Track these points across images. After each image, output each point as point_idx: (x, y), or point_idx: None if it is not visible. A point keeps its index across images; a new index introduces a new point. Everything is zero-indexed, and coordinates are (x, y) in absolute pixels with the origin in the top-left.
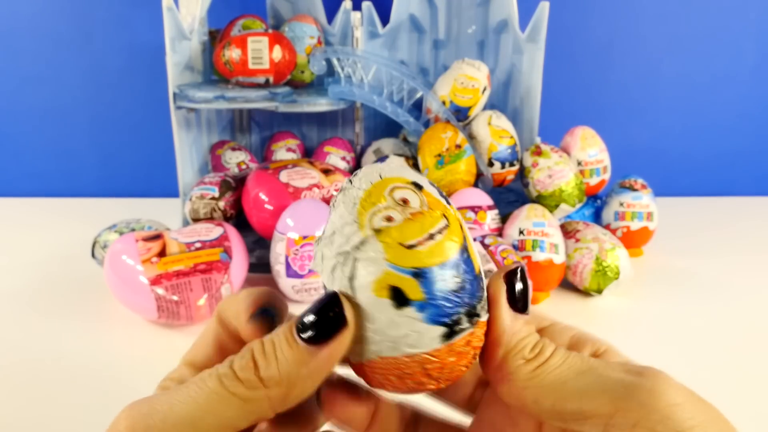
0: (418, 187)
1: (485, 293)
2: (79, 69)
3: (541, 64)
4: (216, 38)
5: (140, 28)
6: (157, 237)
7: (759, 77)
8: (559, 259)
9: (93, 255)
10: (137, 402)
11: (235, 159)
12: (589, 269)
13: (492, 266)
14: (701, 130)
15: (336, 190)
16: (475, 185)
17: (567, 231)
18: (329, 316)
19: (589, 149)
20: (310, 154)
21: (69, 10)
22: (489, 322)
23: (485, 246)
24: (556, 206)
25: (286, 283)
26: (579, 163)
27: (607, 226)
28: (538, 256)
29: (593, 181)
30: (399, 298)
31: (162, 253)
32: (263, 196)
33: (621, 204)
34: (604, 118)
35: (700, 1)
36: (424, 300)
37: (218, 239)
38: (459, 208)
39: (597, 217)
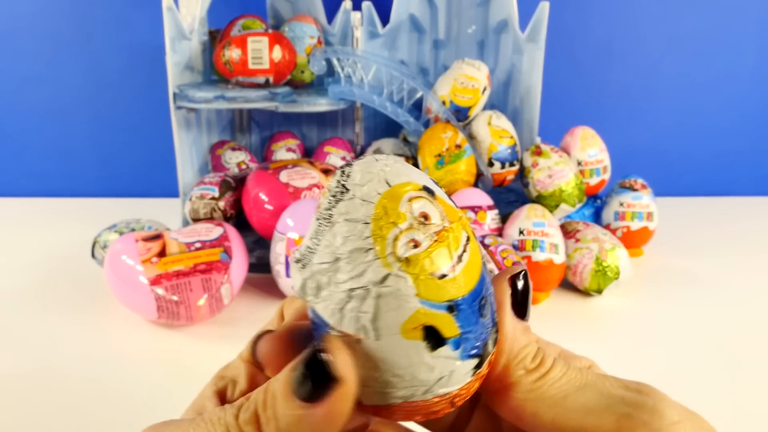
0: (430, 193)
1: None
2: (79, 69)
3: (541, 64)
4: (216, 38)
5: (140, 28)
6: (157, 237)
7: (759, 77)
8: (559, 259)
9: (93, 255)
10: (153, 426)
11: (235, 159)
12: (589, 269)
13: (492, 266)
14: (701, 130)
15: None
16: (475, 185)
17: (567, 231)
18: (319, 373)
19: (589, 149)
20: (310, 154)
21: (69, 10)
22: None
23: (485, 246)
24: (556, 206)
25: (286, 283)
26: (579, 163)
27: (607, 226)
28: (538, 256)
29: (593, 181)
30: (434, 339)
31: (162, 253)
32: (263, 196)
33: (621, 204)
34: (604, 118)
35: (700, 1)
36: (459, 336)
37: (218, 239)
38: (459, 208)
39: (597, 217)
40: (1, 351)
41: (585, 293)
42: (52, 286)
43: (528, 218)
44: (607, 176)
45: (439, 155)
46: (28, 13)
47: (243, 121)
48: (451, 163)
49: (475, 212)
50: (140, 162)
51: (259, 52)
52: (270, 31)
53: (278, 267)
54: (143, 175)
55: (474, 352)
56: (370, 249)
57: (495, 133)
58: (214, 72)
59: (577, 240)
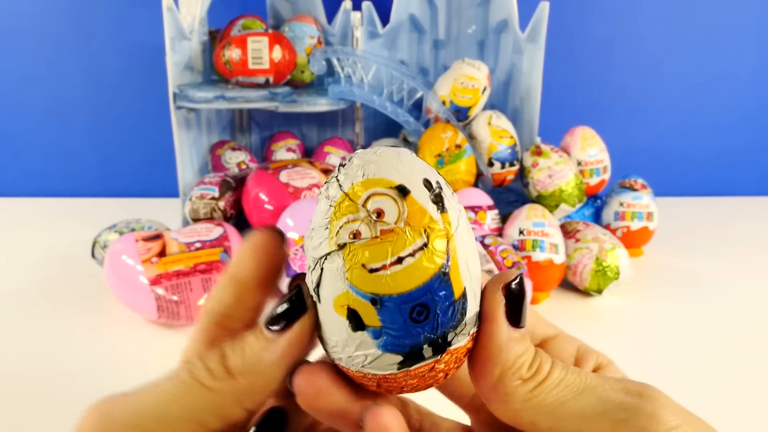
0: (402, 193)
1: (469, 315)
2: (79, 69)
3: (541, 64)
4: (216, 38)
5: (140, 28)
6: (157, 237)
7: (759, 77)
8: (559, 259)
9: (93, 255)
10: (111, 395)
11: (235, 159)
12: (589, 269)
13: (492, 266)
14: (701, 130)
15: None
16: (475, 185)
17: (567, 231)
18: (290, 306)
19: (589, 149)
20: (310, 154)
21: (69, 10)
22: (483, 338)
23: (485, 246)
24: (556, 206)
25: (285, 283)
26: (579, 163)
27: (607, 226)
28: (538, 256)
29: (593, 181)
30: (355, 321)
31: (162, 253)
32: (263, 196)
33: (621, 204)
34: (604, 118)
35: (700, 1)
36: (379, 328)
37: (218, 239)
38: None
39: (597, 217)
40: (1, 351)
41: (585, 293)
42: (52, 286)
43: (528, 218)
44: (607, 176)
45: (439, 155)
46: (28, 13)
47: (243, 121)
48: (451, 163)
49: (475, 212)
50: (140, 162)
51: (259, 52)
52: (270, 31)
53: None
54: (143, 175)
55: (397, 350)
56: (326, 228)
57: (495, 133)
58: (214, 72)
59: (577, 240)
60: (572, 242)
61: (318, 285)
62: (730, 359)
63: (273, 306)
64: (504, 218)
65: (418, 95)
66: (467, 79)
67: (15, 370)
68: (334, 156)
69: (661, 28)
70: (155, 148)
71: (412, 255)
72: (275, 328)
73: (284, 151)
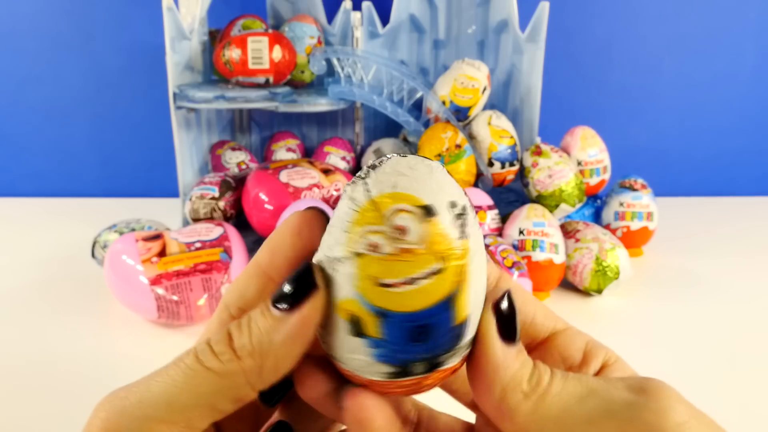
0: (428, 213)
1: (466, 339)
2: (79, 69)
3: (541, 64)
4: (216, 38)
5: (140, 28)
6: (157, 237)
7: (759, 77)
8: (559, 259)
9: (93, 255)
10: (119, 388)
11: (235, 159)
12: (589, 269)
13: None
14: (701, 130)
15: (336, 190)
16: (475, 185)
17: (567, 231)
18: (301, 284)
19: (589, 149)
20: (310, 154)
21: (69, 10)
22: (479, 359)
23: (485, 246)
24: (556, 206)
25: None
26: (579, 163)
27: (607, 226)
28: (538, 256)
29: (593, 181)
30: (356, 328)
31: (162, 253)
32: (263, 196)
33: (621, 204)
34: (604, 118)
35: (700, 1)
36: (378, 339)
37: (218, 239)
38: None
39: (597, 217)
40: (1, 351)
41: (585, 293)
42: (52, 286)
43: (528, 218)
44: (607, 176)
45: (439, 155)
46: (28, 13)
47: (243, 121)
48: (451, 163)
49: (475, 212)
50: (140, 162)
51: (259, 52)
52: (270, 31)
53: None
54: (143, 175)
55: (391, 362)
56: (345, 232)
57: (495, 133)
58: (214, 72)
59: (577, 240)
60: (572, 242)
61: (327, 283)
62: (730, 359)
63: (281, 283)
64: (504, 218)
65: (418, 95)
66: (467, 79)
67: (15, 370)
68: (334, 156)
69: (661, 28)
70: (155, 148)
71: (425, 278)
72: (284, 306)
73: (284, 151)
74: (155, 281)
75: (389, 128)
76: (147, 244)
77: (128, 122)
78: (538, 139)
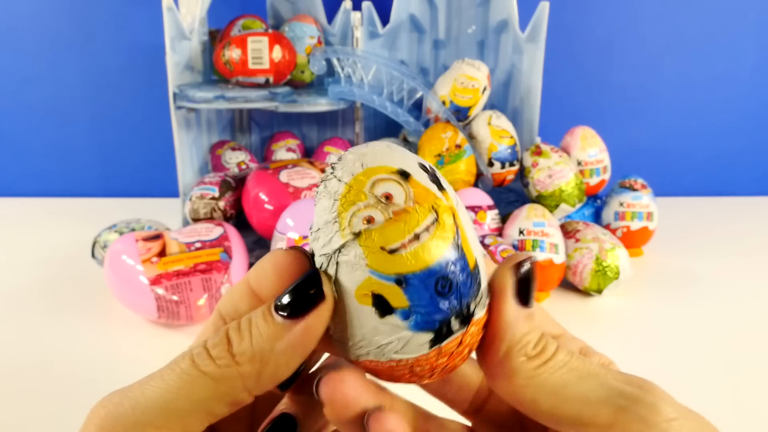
0: (404, 176)
1: (483, 286)
2: (79, 69)
3: (541, 64)
4: (216, 38)
5: (140, 28)
6: (157, 237)
7: (759, 77)
8: (559, 259)
9: (93, 255)
10: (113, 392)
11: (235, 159)
12: (589, 269)
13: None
14: (701, 130)
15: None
16: (475, 185)
17: (567, 231)
18: (307, 292)
19: (589, 149)
20: (310, 154)
21: (69, 10)
22: (491, 314)
23: (485, 246)
24: (556, 206)
25: None
26: (579, 163)
27: (607, 226)
28: (538, 256)
29: (593, 181)
30: (382, 306)
31: (162, 253)
32: (263, 196)
33: (621, 204)
34: (604, 118)
35: (700, 1)
36: (407, 308)
37: (218, 239)
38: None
39: (597, 217)
40: (1, 351)
41: (585, 293)
42: (52, 286)
43: (528, 218)
44: (607, 176)
45: (439, 155)
46: (28, 13)
47: (243, 121)
48: (451, 163)
49: (475, 212)
50: (140, 162)
51: (259, 52)
52: (270, 31)
53: None
54: (143, 175)
55: (429, 327)
56: (336, 222)
57: (495, 133)
58: (214, 72)
59: (577, 240)
60: (572, 242)
61: (335, 281)
62: (730, 359)
63: (286, 290)
64: (504, 218)
65: (418, 95)
66: (467, 79)
67: (15, 370)
68: (334, 156)
69: (661, 28)
70: (155, 148)
71: (427, 230)
72: (286, 311)
73: (284, 151)
74: (155, 281)
75: (389, 128)
76: (147, 244)
77: (128, 122)
78: (538, 139)
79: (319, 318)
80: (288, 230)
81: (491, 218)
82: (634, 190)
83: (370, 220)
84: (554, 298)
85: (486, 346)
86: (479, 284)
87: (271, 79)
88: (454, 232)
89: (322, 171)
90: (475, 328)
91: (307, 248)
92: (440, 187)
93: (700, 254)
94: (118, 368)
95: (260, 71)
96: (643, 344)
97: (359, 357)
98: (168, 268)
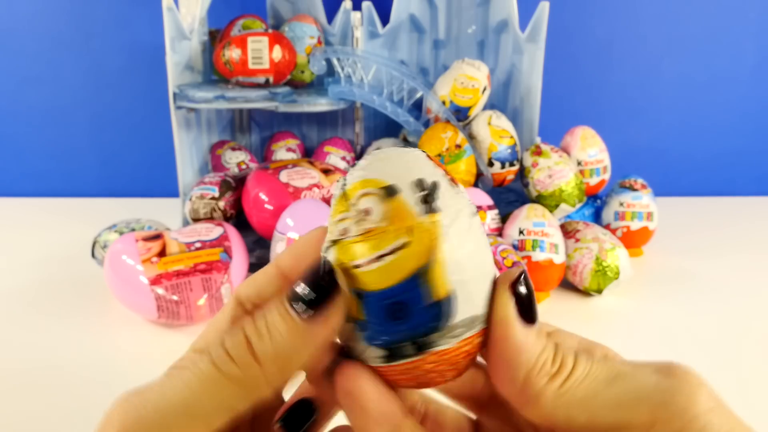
0: (389, 193)
1: (456, 319)
2: (79, 69)
3: (541, 64)
4: (216, 38)
5: (140, 28)
6: (157, 237)
7: (759, 77)
8: (559, 259)
9: (93, 255)
10: (130, 393)
11: (235, 159)
12: (589, 269)
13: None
14: (701, 130)
15: None
16: (475, 185)
17: (567, 231)
18: (321, 283)
19: (589, 149)
20: (310, 154)
21: (69, 10)
22: (498, 343)
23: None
24: (556, 206)
25: None
26: (579, 163)
27: (607, 226)
28: (538, 256)
29: (593, 181)
30: (347, 313)
31: (162, 253)
32: (263, 196)
33: (621, 204)
34: (604, 118)
35: (700, 1)
36: (363, 320)
37: (218, 239)
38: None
39: (597, 217)
40: (1, 351)
41: (585, 293)
42: (52, 286)
43: (528, 218)
44: (607, 176)
45: (439, 155)
46: (28, 13)
47: (243, 121)
48: (451, 163)
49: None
50: (140, 162)
51: (259, 52)
52: (270, 31)
53: None
54: (143, 175)
55: (379, 344)
56: (329, 224)
57: (495, 133)
58: (214, 72)
59: (577, 240)
60: (572, 242)
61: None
62: (730, 359)
63: (303, 285)
64: (504, 218)
65: (418, 95)
66: (467, 79)
67: (15, 370)
68: (334, 156)
69: (661, 28)
70: (155, 148)
71: (392, 253)
72: (306, 309)
73: (284, 151)
74: (155, 281)
75: (389, 128)
76: (147, 244)
77: (128, 122)
78: (538, 139)
79: (337, 309)
80: (288, 230)
81: (491, 218)
82: (634, 190)
83: (344, 232)
84: (554, 298)
85: (503, 377)
86: (446, 317)
87: (271, 79)
88: (424, 260)
89: (323, 171)
90: (438, 358)
91: None
92: (430, 210)
93: (700, 254)
94: (118, 368)
95: (260, 71)
96: (643, 344)
97: (343, 347)
98: (168, 268)
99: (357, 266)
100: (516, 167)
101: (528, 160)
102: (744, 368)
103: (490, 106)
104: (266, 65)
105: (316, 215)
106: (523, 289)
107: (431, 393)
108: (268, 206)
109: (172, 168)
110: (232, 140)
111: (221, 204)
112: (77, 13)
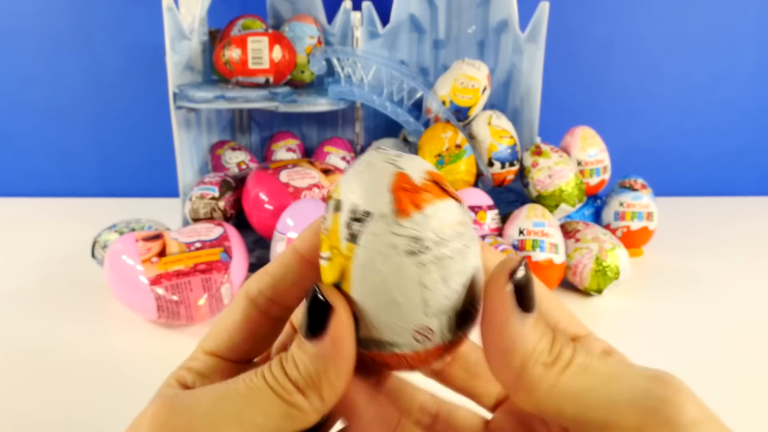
0: (336, 208)
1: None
2: (79, 69)
3: (541, 64)
4: (216, 38)
5: (140, 28)
6: (157, 237)
7: (759, 77)
8: (559, 259)
9: (93, 255)
10: (174, 394)
11: (235, 159)
12: (589, 269)
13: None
14: (701, 130)
15: None
16: (475, 185)
17: (567, 231)
18: (316, 307)
19: (589, 149)
20: (310, 154)
21: (69, 10)
22: (494, 330)
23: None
24: (556, 206)
25: None
26: (579, 163)
27: (607, 226)
28: (538, 256)
29: (593, 181)
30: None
31: (162, 253)
32: (263, 196)
33: (621, 204)
34: (604, 118)
35: (700, 1)
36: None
37: (218, 239)
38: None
39: (597, 217)
40: (1, 351)
41: (585, 293)
42: (52, 286)
43: (528, 218)
44: (607, 176)
45: (439, 155)
46: (28, 13)
47: (243, 121)
48: (451, 163)
49: (475, 212)
50: (140, 162)
51: (259, 52)
52: (270, 31)
53: None
54: (143, 175)
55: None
56: None
57: (495, 133)
58: (214, 72)
59: (577, 240)
60: (572, 242)
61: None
62: (731, 359)
63: (302, 312)
64: (504, 218)
65: (418, 95)
66: (467, 79)
67: (15, 370)
68: (334, 156)
69: (661, 28)
70: (155, 148)
71: (324, 259)
72: (308, 331)
73: (284, 151)
74: (155, 281)
75: (389, 128)
76: (147, 244)
77: (128, 122)
78: (538, 139)
79: (339, 326)
80: (288, 230)
81: (491, 218)
82: (634, 190)
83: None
84: None
85: (499, 363)
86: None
87: (271, 79)
88: (338, 277)
89: (323, 171)
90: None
91: None
92: (352, 238)
93: (700, 254)
94: (118, 368)
95: (260, 71)
96: (643, 344)
97: None
98: (168, 268)
99: (321, 258)
100: (516, 167)
101: (528, 160)
102: (744, 368)
103: (490, 106)
104: (266, 65)
105: (316, 215)
106: (521, 277)
107: (443, 393)
108: (268, 206)
109: (172, 168)
110: (232, 140)
111: (221, 204)
112: (77, 13)
